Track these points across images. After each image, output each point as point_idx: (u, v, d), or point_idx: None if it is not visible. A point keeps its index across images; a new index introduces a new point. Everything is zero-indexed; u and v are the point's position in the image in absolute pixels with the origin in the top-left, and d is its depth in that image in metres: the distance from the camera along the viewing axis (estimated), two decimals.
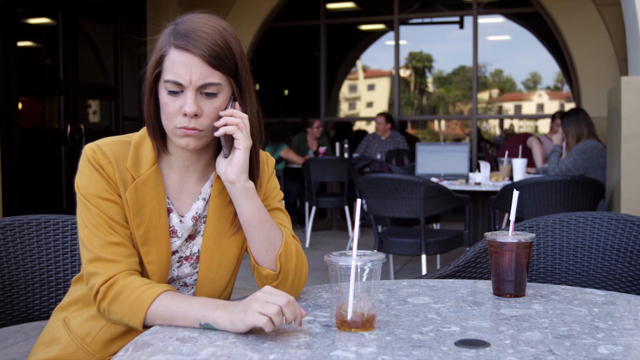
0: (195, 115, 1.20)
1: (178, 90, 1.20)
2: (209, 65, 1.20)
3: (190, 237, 1.33)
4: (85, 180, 1.24)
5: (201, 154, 1.32)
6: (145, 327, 1.15)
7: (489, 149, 7.04)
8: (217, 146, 1.34)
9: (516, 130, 9.58)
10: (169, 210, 1.30)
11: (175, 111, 1.21)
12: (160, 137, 1.29)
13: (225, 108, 1.24)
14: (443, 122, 10.67)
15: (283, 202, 1.47)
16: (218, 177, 1.32)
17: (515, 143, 5.72)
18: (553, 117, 6.30)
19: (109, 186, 1.24)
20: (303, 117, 7.68)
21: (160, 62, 1.22)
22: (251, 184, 1.27)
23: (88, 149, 1.26)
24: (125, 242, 1.23)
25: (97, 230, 1.21)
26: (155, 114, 1.26)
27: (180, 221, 1.30)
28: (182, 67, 1.19)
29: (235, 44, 1.24)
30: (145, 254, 1.25)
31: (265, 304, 1.03)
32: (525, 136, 5.99)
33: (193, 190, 1.33)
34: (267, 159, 1.41)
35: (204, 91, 1.21)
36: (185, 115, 1.20)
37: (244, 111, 1.28)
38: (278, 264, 1.26)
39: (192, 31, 1.20)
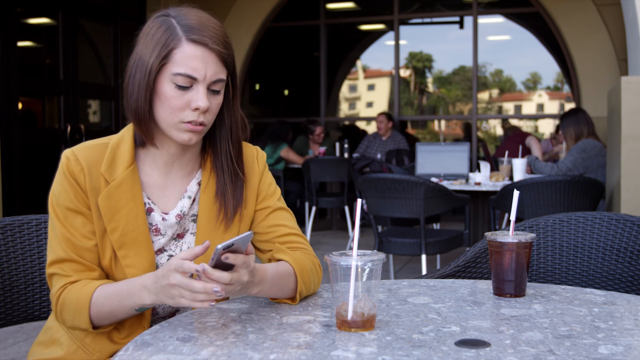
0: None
1: (188, 85, 1.19)
2: (221, 62, 1.20)
3: (179, 236, 1.32)
4: (56, 187, 1.25)
5: (187, 148, 1.30)
6: (99, 326, 1.20)
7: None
8: (202, 141, 1.32)
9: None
10: (150, 210, 1.28)
11: (183, 105, 1.19)
12: (151, 131, 1.25)
13: (212, 259, 1.03)
14: (443, 122, 10.67)
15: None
16: (204, 175, 1.31)
17: (515, 143, 5.72)
18: (557, 128, 6.26)
19: (77, 198, 1.23)
20: (305, 117, 7.66)
21: (167, 55, 1.18)
22: (255, 289, 1.14)
23: (64, 156, 1.25)
24: (81, 257, 1.22)
25: (56, 240, 1.23)
26: (150, 107, 1.22)
27: (163, 219, 1.29)
28: (197, 61, 1.18)
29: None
30: (123, 258, 1.24)
31: (182, 299, 1.05)
32: (524, 136, 5.99)
33: (179, 187, 1.32)
34: (257, 154, 1.38)
35: (212, 87, 1.21)
36: (196, 109, 1.19)
37: (235, 110, 1.28)
38: (298, 297, 1.23)
39: (205, 26, 1.19)
